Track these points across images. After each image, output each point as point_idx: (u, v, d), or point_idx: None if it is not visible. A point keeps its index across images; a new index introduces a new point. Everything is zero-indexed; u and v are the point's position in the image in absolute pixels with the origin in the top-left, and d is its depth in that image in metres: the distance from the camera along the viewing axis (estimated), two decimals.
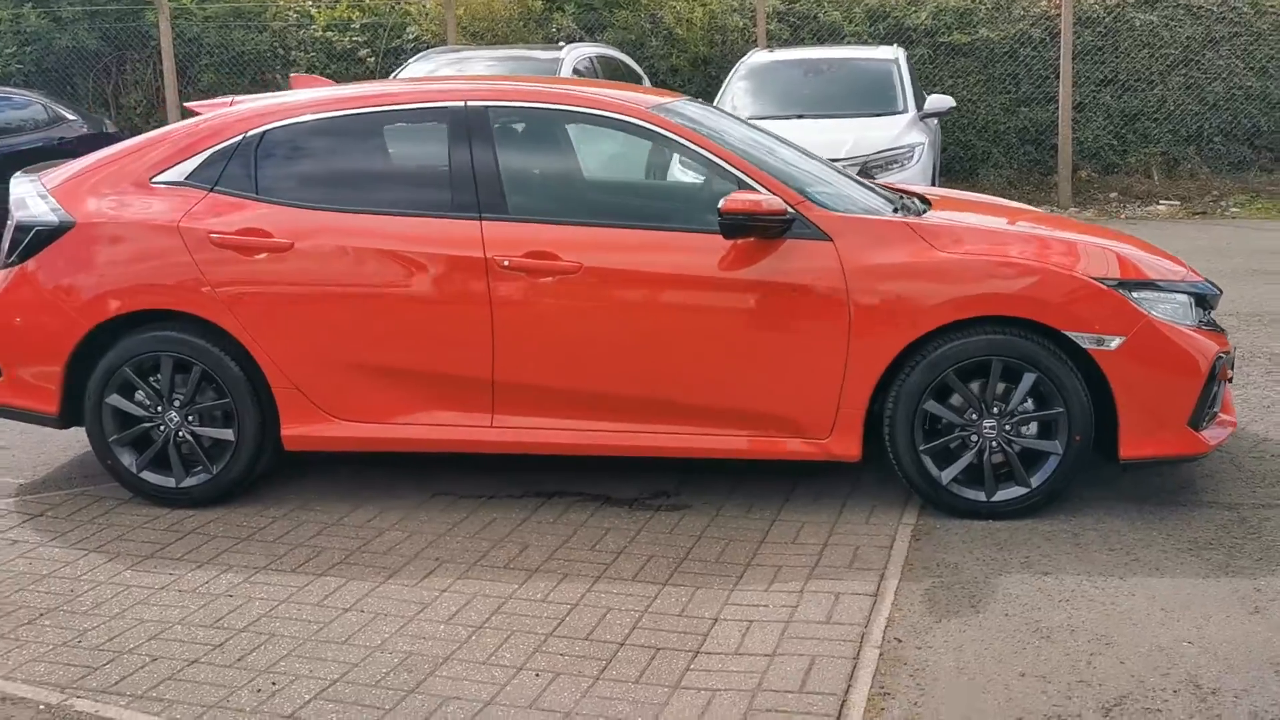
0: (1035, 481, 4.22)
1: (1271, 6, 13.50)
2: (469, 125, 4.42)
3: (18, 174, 4.83)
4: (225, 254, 4.40)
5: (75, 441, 5.40)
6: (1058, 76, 13.27)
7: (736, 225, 4.12)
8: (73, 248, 4.48)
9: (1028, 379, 4.15)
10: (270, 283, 4.40)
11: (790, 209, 4.17)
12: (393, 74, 10.10)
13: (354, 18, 14.55)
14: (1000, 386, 4.18)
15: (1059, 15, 13.40)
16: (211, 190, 4.48)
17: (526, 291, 4.29)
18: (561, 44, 12.41)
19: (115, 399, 4.53)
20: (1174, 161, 13.54)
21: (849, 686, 3.16)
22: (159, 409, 4.53)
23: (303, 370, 4.43)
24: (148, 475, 4.58)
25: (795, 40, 13.52)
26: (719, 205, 4.09)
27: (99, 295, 4.45)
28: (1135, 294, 4.18)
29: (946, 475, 4.25)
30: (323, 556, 4.13)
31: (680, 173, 5.49)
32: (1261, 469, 4.68)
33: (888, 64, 9.85)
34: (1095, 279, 4.16)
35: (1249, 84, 13.34)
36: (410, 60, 10.27)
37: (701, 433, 4.36)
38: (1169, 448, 4.20)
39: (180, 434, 4.54)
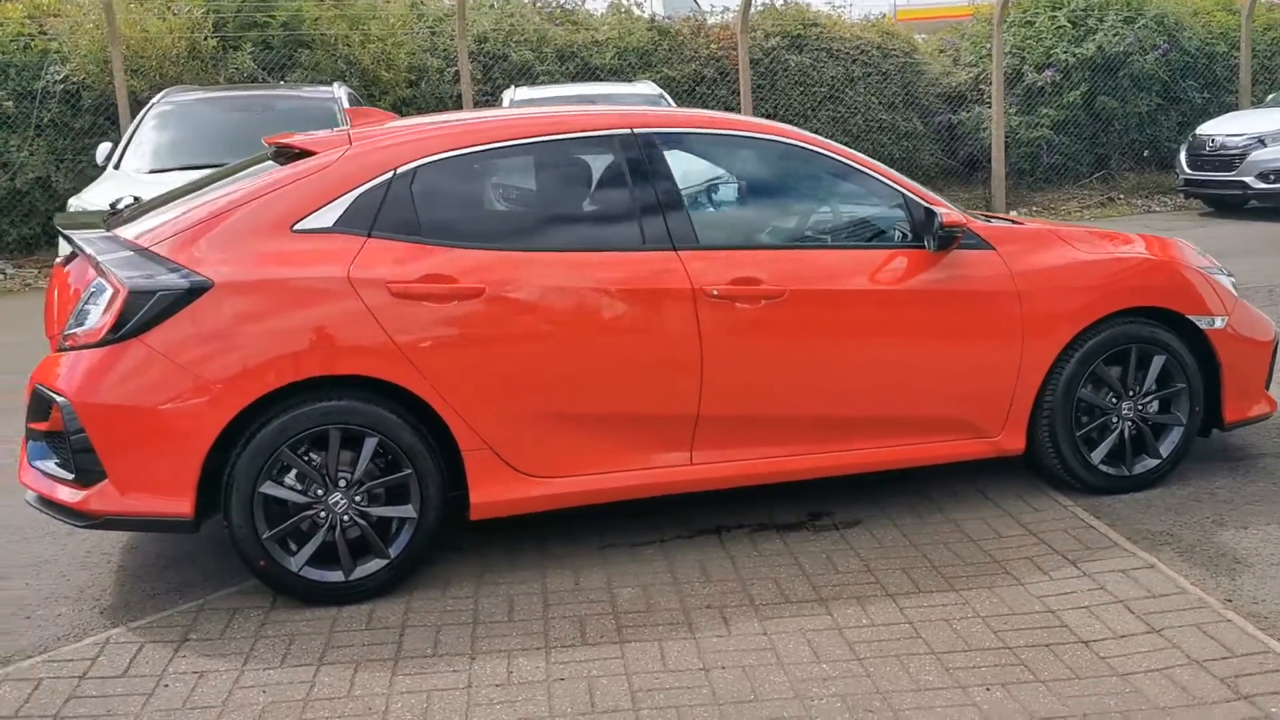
0: (1164, 452, 4.74)
1: (894, 50, 15.45)
2: (641, 153, 4.22)
3: (84, 234, 3.94)
4: (406, 305, 3.87)
5: (57, 550, 4.46)
6: (730, 111, 14.35)
7: (949, 238, 4.30)
8: (211, 313, 3.73)
9: (1158, 361, 4.66)
10: (460, 333, 3.93)
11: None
12: (138, 119, 8.92)
13: None
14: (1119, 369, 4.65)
15: (725, 56, 14.54)
16: (370, 235, 3.93)
17: (734, 320, 4.17)
18: (287, 81, 11.65)
19: (270, 487, 3.83)
20: None
21: (1260, 640, 3.46)
22: (320, 492, 3.89)
23: (496, 427, 4.00)
24: (309, 573, 3.91)
25: (489, 80, 13.55)
26: (941, 220, 4.25)
27: (255, 366, 3.74)
28: (1219, 279, 4.84)
29: (1096, 456, 4.66)
30: (593, 625, 3.77)
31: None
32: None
33: (654, 98, 10.23)
34: (1201, 269, 4.77)
35: (881, 117, 15.17)
36: (153, 102, 9.14)
37: (892, 445, 4.46)
38: (1256, 409, 4.90)
39: (347, 518, 3.92)
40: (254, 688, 3.43)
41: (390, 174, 4.00)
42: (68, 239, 4.01)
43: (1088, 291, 4.55)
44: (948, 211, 4.31)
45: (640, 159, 4.21)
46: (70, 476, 3.79)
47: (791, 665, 3.46)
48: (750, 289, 4.18)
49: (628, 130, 4.26)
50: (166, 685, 3.46)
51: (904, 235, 4.44)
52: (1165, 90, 16.01)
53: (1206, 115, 15.41)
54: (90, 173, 12.29)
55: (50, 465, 3.87)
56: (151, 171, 8.02)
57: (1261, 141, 13.17)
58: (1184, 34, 16.08)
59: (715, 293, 4.13)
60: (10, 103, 12.46)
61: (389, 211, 3.96)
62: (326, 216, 3.92)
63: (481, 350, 3.96)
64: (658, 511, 4.65)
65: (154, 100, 9.22)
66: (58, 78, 12.57)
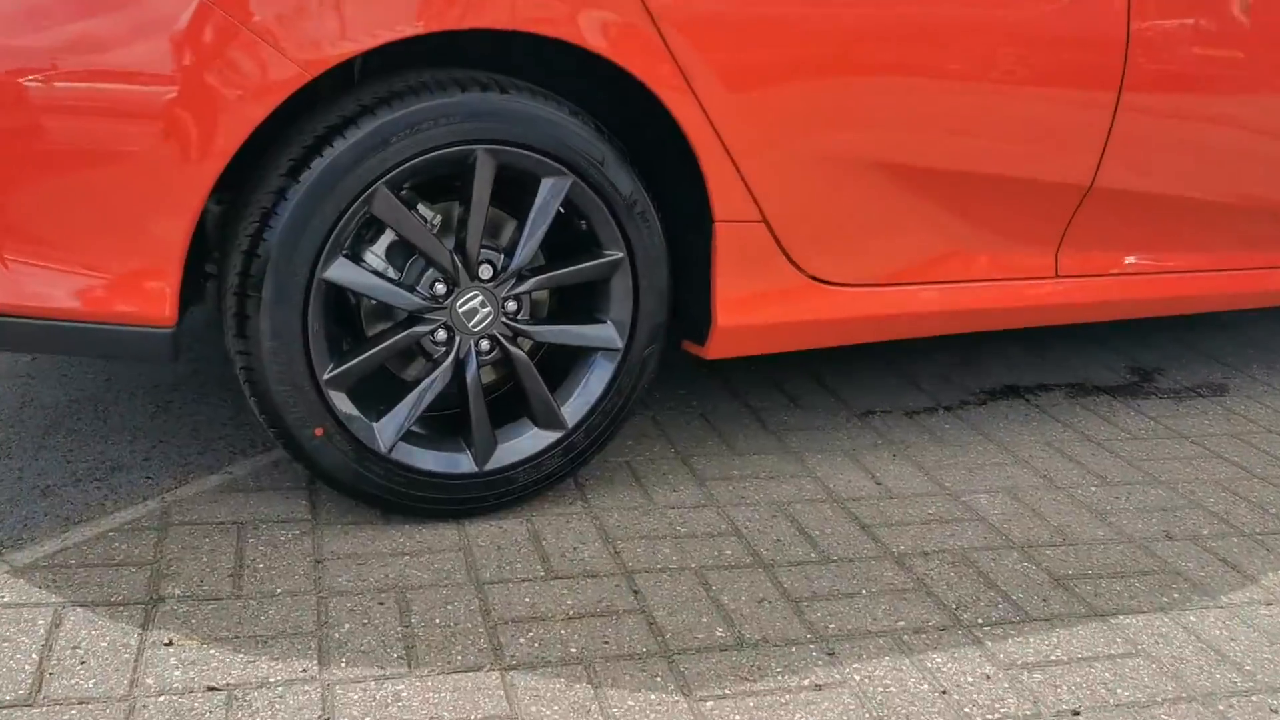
0: None
1: None
2: None
3: None
4: None
5: None
6: None
7: None
8: None
9: None
10: None
11: None
12: None
13: None
14: None
15: None
16: None
17: (1174, 28, 2.28)
18: None
19: (342, 270, 1.75)
20: None
21: None
22: (439, 288, 1.84)
23: (783, 182, 2.00)
24: (407, 455, 1.87)
25: None
26: None
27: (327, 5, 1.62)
28: None
29: None
30: (1008, 578, 1.90)
31: None
32: None
33: None
34: None
35: None
36: None
37: None
38: None
39: (487, 345, 1.89)
40: None
41: None
42: None
43: None
44: None
45: None
46: None
47: None
48: None
49: None
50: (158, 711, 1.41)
51: None
52: None
53: None
54: None
55: None
56: None
57: None
58: None
59: None
60: None
61: None
62: None
63: (773, 33, 1.91)
64: (876, 359, 2.81)
65: None
66: None
